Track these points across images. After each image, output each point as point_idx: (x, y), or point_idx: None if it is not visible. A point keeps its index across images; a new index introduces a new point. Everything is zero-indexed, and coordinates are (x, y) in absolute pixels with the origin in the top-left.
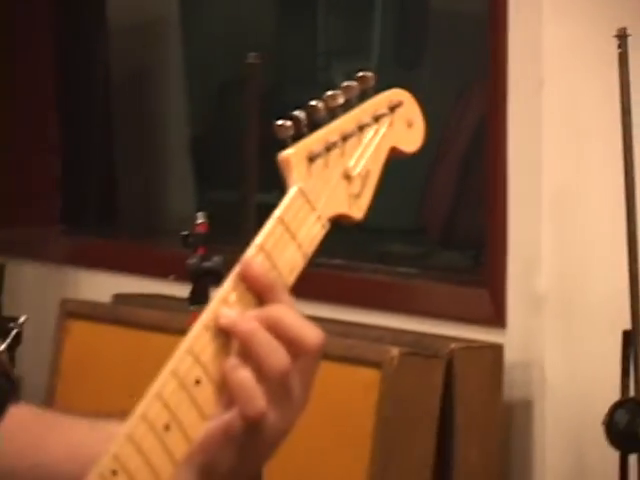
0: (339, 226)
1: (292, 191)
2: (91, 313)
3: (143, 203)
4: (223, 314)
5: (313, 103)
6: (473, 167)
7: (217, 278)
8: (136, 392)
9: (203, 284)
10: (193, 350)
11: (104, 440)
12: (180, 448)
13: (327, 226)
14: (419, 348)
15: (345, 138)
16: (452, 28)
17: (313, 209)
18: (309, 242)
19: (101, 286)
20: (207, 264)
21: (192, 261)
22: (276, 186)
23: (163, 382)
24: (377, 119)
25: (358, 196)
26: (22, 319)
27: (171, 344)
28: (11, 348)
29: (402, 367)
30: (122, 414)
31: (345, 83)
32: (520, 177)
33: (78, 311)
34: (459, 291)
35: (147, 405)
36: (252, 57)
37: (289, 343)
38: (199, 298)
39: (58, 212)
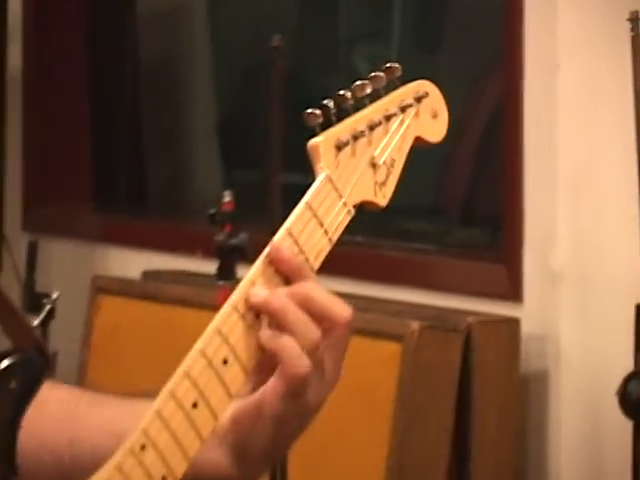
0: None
1: (320, 178)
2: (121, 289)
3: (171, 183)
4: (254, 293)
5: (341, 93)
6: (491, 147)
7: (243, 254)
8: (165, 365)
9: (230, 260)
10: (221, 331)
11: (135, 416)
12: (207, 425)
13: (353, 212)
14: (439, 322)
15: (372, 127)
16: (471, 13)
17: (340, 196)
18: (335, 228)
19: (131, 263)
20: (233, 241)
21: (219, 238)
22: (299, 166)
23: (192, 361)
24: (403, 109)
25: (383, 184)
26: (55, 295)
27: (199, 318)
28: (44, 323)
29: (422, 340)
30: (151, 393)
31: (372, 74)
32: (536, 157)
33: (109, 287)
34: (477, 267)
35: (176, 383)
36: (276, 40)
37: (320, 319)
38: (226, 274)
39: (89, 191)
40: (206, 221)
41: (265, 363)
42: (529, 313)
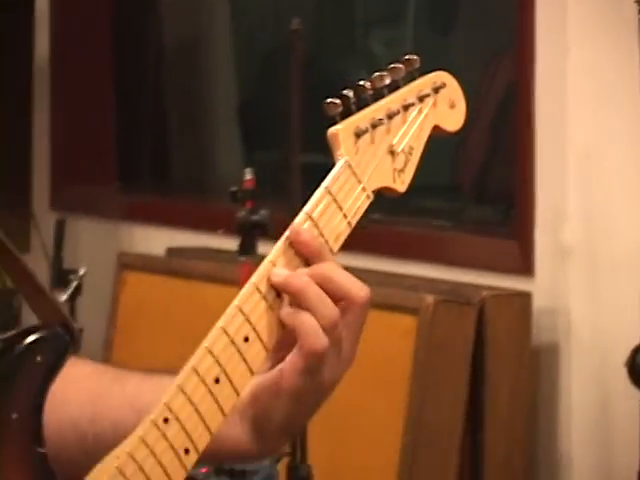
0: None
1: (339, 164)
2: (146, 265)
3: (194, 163)
4: (275, 273)
5: (361, 83)
6: (504, 128)
7: (264, 230)
8: (188, 338)
9: (251, 236)
10: (243, 309)
11: (157, 392)
12: (229, 400)
13: (372, 197)
14: (453, 296)
15: (390, 116)
16: None
17: (359, 181)
18: (355, 212)
19: (155, 240)
20: (255, 217)
21: (241, 214)
22: (318, 147)
23: (214, 338)
24: (421, 99)
25: (402, 171)
26: (82, 271)
27: (221, 293)
28: (72, 299)
29: (437, 314)
30: (174, 370)
31: (392, 65)
32: (547, 136)
33: (134, 263)
34: (490, 243)
35: (198, 359)
36: (295, 23)
37: (338, 298)
38: (247, 249)
39: (115, 172)
40: (228, 199)
41: (284, 341)
42: (540, 287)
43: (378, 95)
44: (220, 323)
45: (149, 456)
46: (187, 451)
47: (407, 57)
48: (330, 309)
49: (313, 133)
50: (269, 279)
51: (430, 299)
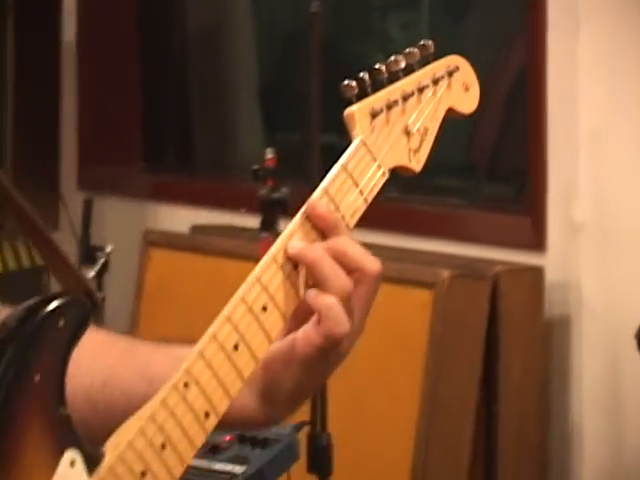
0: None
1: (355, 142)
2: (170, 242)
3: (217, 143)
4: (291, 245)
5: (377, 66)
6: (517, 108)
7: (285, 208)
8: (211, 312)
9: (272, 213)
10: (261, 279)
11: (169, 361)
12: (248, 366)
13: (387, 175)
14: (468, 271)
15: (405, 98)
16: None
17: (374, 159)
18: (370, 189)
19: (179, 218)
20: (276, 195)
21: (262, 192)
22: (337, 128)
23: (233, 307)
24: (436, 82)
25: (417, 150)
26: (109, 249)
27: (243, 269)
28: (99, 275)
29: (452, 288)
30: (187, 341)
31: (407, 50)
32: (559, 116)
33: (159, 241)
34: (504, 219)
35: (218, 326)
36: (315, 6)
37: (351, 270)
38: (268, 226)
39: (140, 152)
40: (249, 178)
41: (298, 311)
42: (552, 262)
43: (393, 78)
44: (239, 292)
45: (170, 418)
46: (207, 415)
47: (422, 43)
48: (343, 280)
49: (332, 114)
50: (286, 251)
51: (446, 274)
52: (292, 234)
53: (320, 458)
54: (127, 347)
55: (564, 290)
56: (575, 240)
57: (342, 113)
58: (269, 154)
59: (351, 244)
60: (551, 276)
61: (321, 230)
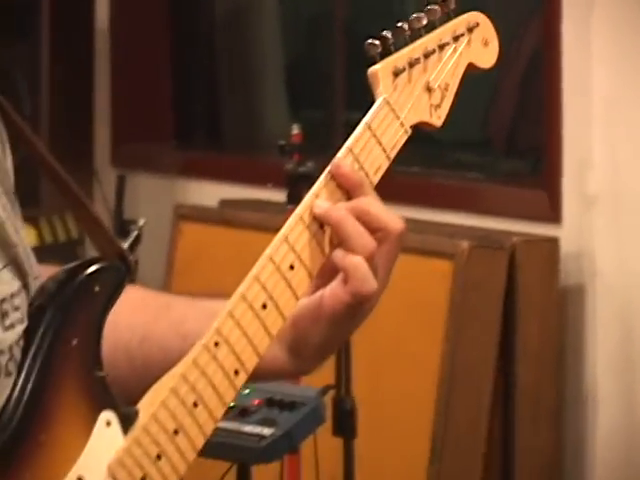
0: (417, 139)
1: (379, 101)
2: (200, 216)
3: (244, 121)
4: (317, 205)
5: (399, 24)
6: (532, 85)
7: (311, 181)
8: (240, 282)
9: (298, 187)
10: (288, 239)
11: (202, 317)
12: (276, 324)
13: (409, 132)
14: (486, 242)
15: (427, 55)
16: None
17: (397, 117)
18: (393, 146)
19: (208, 193)
20: (302, 169)
21: (289, 166)
22: (359, 105)
23: (261, 266)
24: (456, 38)
25: (438, 106)
26: (141, 222)
27: (271, 241)
28: (131, 247)
29: (471, 258)
30: (221, 295)
31: (428, 7)
32: (573, 92)
33: (189, 215)
34: (521, 192)
35: (247, 286)
36: None
37: (375, 230)
38: (295, 199)
39: (171, 130)
40: (276, 154)
41: (324, 269)
42: (567, 233)
43: (415, 36)
44: (267, 252)
45: (201, 377)
46: (237, 372)
47: None
48: (367, 239)
49: (355, 92)
50: (312, 211)
51: (465, 245)
52: (318, 194)
53: (345, 421)
54: (164, 303)
55: (579, 260)
56: (589, 212)
57: (365, 92)
58: (295, 130)
59: (374, 204)
60: (566, 247)
61: (346, 189)
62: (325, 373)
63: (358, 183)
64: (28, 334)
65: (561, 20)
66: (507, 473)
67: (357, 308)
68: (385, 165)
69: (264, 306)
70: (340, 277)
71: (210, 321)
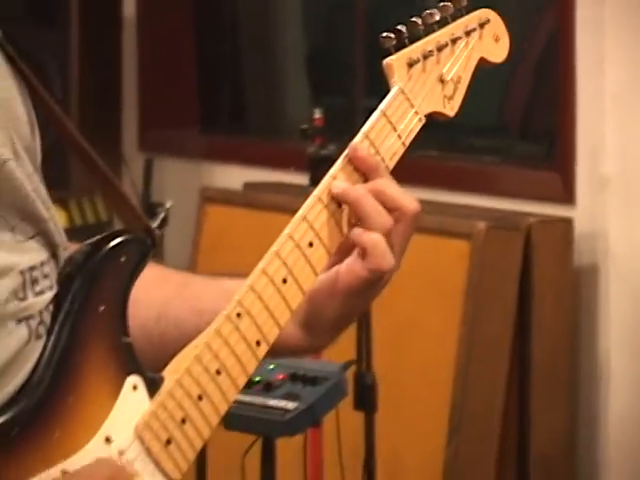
0: (435, 124)
1: (394, 90)
2: (225, 199)
3: (267, 107)
4: (335, 185)
5: (413, 19)
6: (547, 70)
7: (332, 164)
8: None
9: (320, 169)
10: (307, 218)
11: (219, 294)
12: (296, 298)
13: (424, 120)
14: (502, 223)
15: (440, 48)
16: None
17: (412, 105)
18: (408, 133)
19: (233, 176)
20: (324, 152)
21: (311, 149)
22: (379, 92)
23: (282, 243)
24: (468, 33)
25: (451, 97)
26: (168, 204)
27: None
28: (159, 229)
29: (488, 239)
30: (238, 274)
31: (441, 3)
32: (587, 76)
33: (215, 197)
34: (535, 175)
35: (267, 262)
36: None
37: (391, 209)
38: (317, 181)
39: (196, 115)
40: (298, 138)
41: (341, 247)
42: (581, 214)
43: (429, 30)
44: (287, 230)
45: (224, 346)
46: (259, 343)
47: None
48: (384, 217)
49: (375, 79)
50: (330, 191)
51: (482, 225)
52: (335, 176)
53: (366, 396)
54: (181, 281)
55: (592, 240)
56: (602, 193)
57: (384, 79)
58: (317, 114)
59: (390, 185)
60: (580, 227)
61: (362, 172)
62: (347, 349)
63: (374, 166)
64: (57, 300)
65: (575, 5)
66: (523, 448)
67: (374, 283)
68: (401, 151)
69: (284, 281)
70: (356, 253)
71: (226, 300)
